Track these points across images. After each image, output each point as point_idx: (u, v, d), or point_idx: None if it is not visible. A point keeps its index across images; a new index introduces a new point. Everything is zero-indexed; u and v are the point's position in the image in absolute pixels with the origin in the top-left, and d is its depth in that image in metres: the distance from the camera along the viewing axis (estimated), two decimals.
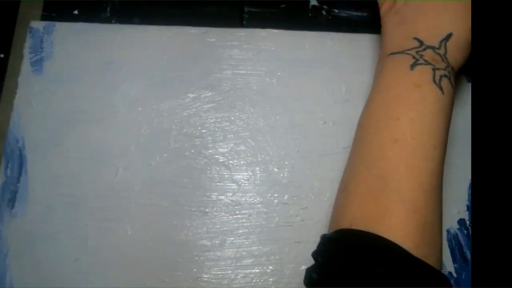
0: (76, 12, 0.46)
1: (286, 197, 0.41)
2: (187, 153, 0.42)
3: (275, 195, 0.41)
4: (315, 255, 0.31)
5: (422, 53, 0.34)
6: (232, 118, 0.43)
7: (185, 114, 0.43)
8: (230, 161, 0.42)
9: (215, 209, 0.40)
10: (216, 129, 0.42)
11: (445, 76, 0.33)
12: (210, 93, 0.44)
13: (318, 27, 0.46)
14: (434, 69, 0.33)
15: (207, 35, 0.45)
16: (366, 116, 0.34)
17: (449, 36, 0.34)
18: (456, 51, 0.34)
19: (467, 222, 0.42)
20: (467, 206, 0.42)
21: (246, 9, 0.47)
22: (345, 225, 0.30)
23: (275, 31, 0.46)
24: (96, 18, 0.46)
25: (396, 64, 0.34)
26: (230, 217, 0.40)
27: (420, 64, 0.33)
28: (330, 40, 0.46)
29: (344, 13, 0.46)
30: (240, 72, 0.44)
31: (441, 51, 0.34)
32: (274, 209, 0.41)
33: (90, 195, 0.40)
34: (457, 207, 0.42)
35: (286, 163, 0.42)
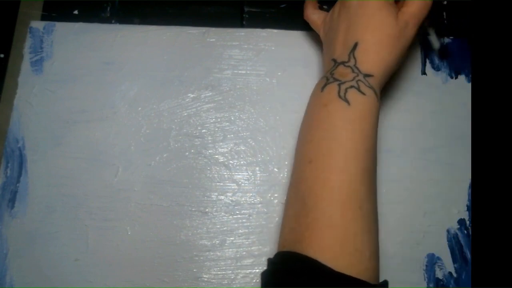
0: (76, 12, 0.46)
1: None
2: (187, 153, 0.42)
3: (275, 195, 0.41)
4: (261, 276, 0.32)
5: (334, 71, 0.35)
6: (232, 118, 0.43)
7: (185, 114, 0.43)
8: (230, 161, 0.42)
9: (215, 209, 0.40)
10: (216, 129, 0.42)
11: (352, 87, 0.33)
12: (210, 93, 0.44)
13: None
14: (340, 84, 0.33)
15: (207, 35, 0.45)
16: (296, 143, 0.35)
17: (355, 45, 0.35)
18: (366, 57, 0.34)
19: (467, 222, 0.42)
20: (467, 206, 0.42)
21: (246, 9, 0.47)
22: (280, 247, 0.32)
23: (275, 31, 0.46)
24: (96, 18, 0.46)
25: (314, 88, 0.36)
26: (230, 217, 0.40)
27: (329, 83, 0.34)
28: None
29: None
30: (240, 72, 0.44)
31: (351, 63, 0.34)
32: (274, 209, 0.41)
33: (90, 195, 0.40)
34: (457, 207, 0.42)
35: (286, 163, 0.42)
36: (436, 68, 0.46)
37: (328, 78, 0.35)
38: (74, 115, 0.42)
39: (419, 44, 0.47)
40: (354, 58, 0.35)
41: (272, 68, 0.45)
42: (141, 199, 0.40)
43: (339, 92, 0.33)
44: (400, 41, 0.35)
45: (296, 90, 0.44)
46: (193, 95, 0.43)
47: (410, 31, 0.36)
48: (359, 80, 0.34)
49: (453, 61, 0.47)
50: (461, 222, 0.42)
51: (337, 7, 0.39)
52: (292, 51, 0.45)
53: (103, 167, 0.41)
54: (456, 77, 0.46)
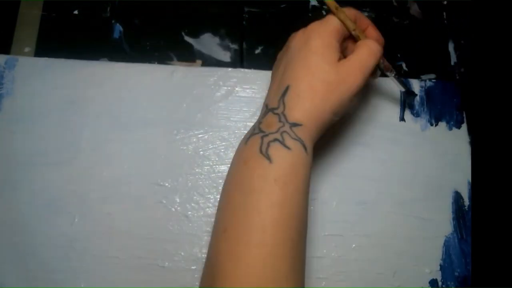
0: (76, 12, 0.45)
1: None
2: (147, 202, 0.40)
3: None
4: None
5: (262, 119, 0.32)
6: (195, 166, 0.41)
7: (148, 159, 0.41)
8: (189, 212, 0.40)
9: (172, 263, 0.38)
10: (180, 178, 0.41)
11: (276, 140, 0.30)
12: (178, 137, 0.42)
13: None
14: (263, 137, 0.30)
15: (174, 74, 0.43)
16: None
17: (286, 89, 0.32)
18: (295, 103, 0.31)
19: (440, 283, 0.40)
20: (440, 265, 0.40)
21: (246, 9, 0.47)
22: None
23: (243, 70, 0.44)
24: (96, 18, 0.45)
25: (241, 139, 0.32)
26: (189, 272, 0.38)
27: (254, 135, 0.31)
28: None
29: None
30: (210, 113, 0.43)
31: (280, 110, 0.31)
32: None
33: (43, 244, 0.38)
34: (429, 266, 0.40)
35: None
36: (416, 114, 0.44)
37: (254, 128, 0.32)
38: (33, 157, 0.40)
39: (398, 88, 0.45)
40: (284, 104, 0.31)
41: (243, 111, 0.43)
42: (97, 250, 0.38)
43: (261, 146, 0.30)
44: (338, 88, 0.32)
45: None
46: (158, 138, 0.42)
47: (353, 79, 0.32)
48: (284, 131, 0.30)
49: (434, 106, 0.45)
50: (432, 282, 0.40)
51: (282, 50, 0.36)
52: (263, 92, 0.43)
53: (59, 215, 0.39)
54: (437, 124, 0.44)
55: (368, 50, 0.33)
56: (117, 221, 0.39)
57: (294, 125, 0.31)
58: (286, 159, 0.29)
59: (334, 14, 0.34)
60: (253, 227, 0.27)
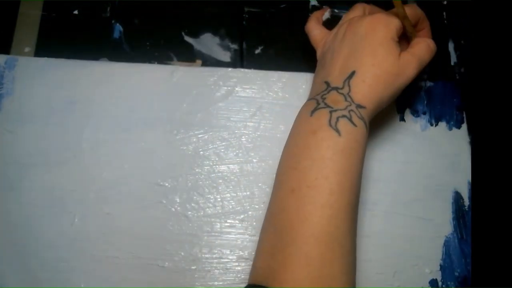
0: (76, 12, 0.45)
1: (246, 252, 0.39)
2: (147, 202, 0.40)
3: (236, 251, 0.39)
4: None
5: (326, 95, 0.34)
6: (195, 166, 0.41)
7: (149, 159, 0.41)
8: (189, 212, 0.40)
9: (173, 263, 0.38)
10: (180, 178, 0.41)
11: (344, 116, 0.32)
12: (178, 137, 0.42)
13: None
14: (331, 112, 0.32)
15: (174, 74, 0.43)
16: (277, 168, 0.34)
17: (352, 74, 0.34)
18: (361, 88, 0.34)
19: (440, 283, 0.40)
20: (440, 265, 0.40)
21: (246, 9, 0.47)
22: (251, 280, 0.31)
23: (243, 70, 0.44)
24: (96, 18, 0.45)
25: (302, 111, 0.34)
26: (189, 272, 0.38)
27: (320, 108, 0.33)
28: (305, 81, 0.44)
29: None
30: (210, 113, 0.43)
31: (345, 90, 0.34)
32: (239, 264, 0.39)
33: (43, 244, 0.38)
34: (429, 266, 0.40)
35: (250, 213, 0.40)
36: (416, 114, 0.44)
37: (318, 102, 0.34)
38: (32, 157, 0.40)
39: None
40: (349, 86, 0.34)
41: (243, 111, 0.43)
42: (97, 250, 0.38)
43: (330, 120, 0.32)
44: (397, 80, 0.35)
45: (264, 136, 0.42)
46: (159, 138, 0.42)
47: (410, 72, 0.35)
48: (351, 110, 0.33)
49: (434, 106, 0.45)
50: (432, 282, 0.40)
51: (342, 28, 0.37)
52: (263, 92, 0.43)
53: (59, 215, 0.39)
54: (437, 124, 0.44)
55: (427, 46, 0.36)
56: (117, 221, 0.39)
57: (359, 106, 0.33)
58: (353, 134, 0.32)
59: (401, 21, 0.36)
60: (321, 189, 0.30)
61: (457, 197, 0.42)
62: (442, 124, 0.44)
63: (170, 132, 0.42)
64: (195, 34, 0.46)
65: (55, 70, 0.43)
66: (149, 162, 0.41)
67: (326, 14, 0.43)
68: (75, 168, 0.40)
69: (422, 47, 0.36)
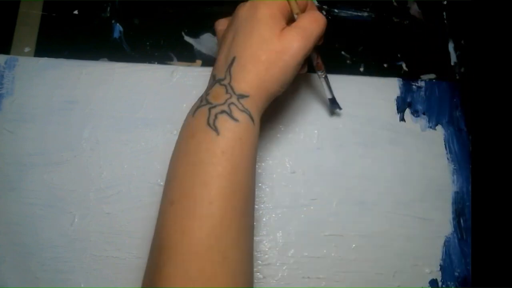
0: (76, 12, 0.45)
1: None
2: (147, 202, 0.40)
3: None
4: None
5: (210, 91, 0.31)
6: None
7: (149, 159, 0.41)
8: None
9: None
10: None
11: (223, 112, 0.29)
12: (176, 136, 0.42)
13: None
14: (210, 109, 0.30)
15: (174, 74, 0.43)
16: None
17: (232, 61, 0.31)
18: (242, 74, 0.31)
19: (440, 283, 0.40)
20: (440, 265, 0.40)
21: None
22: None
23: None
24: (96, 18, 0.45)
25: (188, 112, 0.32)
26: None
27: (201, 106, 0.30)
28: (304, 81, 0.44)
29: (344, 13, 0.46)
30: None
31: (226, 81, 0.31)
32: None
33: (43, 244, 0.38)
34: (429, 266, 0.40)
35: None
36: (416, 114, 0.44)
37: (202, 99, 0.31)
38: (32, 157, 0.40)
39: (398, 88, 0.45)
40: (230, 75, 0.31)
41: None
42: (97, 250, 0.38)
43: (208, 119, 0.29)
44: (281, 57, 0.31)
45: (264, 136, 0.42)
46: (158, 138, 0.41)
47: (295, 45, 0.31)
48: (231, 103, 0.30)
49: (434, 106, 0.45)
50: (432, 282, 0.40)
51: (232, 17, 0.34)
52: None
53: (59, 215, 0.39)
54: (437, 124, 0.44)
55: (311, 17, 0.32)
56: (117, 221, 0.39)
57: (241, 96, 0.30)
58: (234, 131, 0.29)
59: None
60: (200, 199, 0.27)
61: (457, 197, 0.42)
62: (442, 124, 0.44)
63: (170, 132, 0.42)
64: (195, 34, 0.46)
65: (55, 70, 0.43)
66: (149, 162, 0.41)
67: None
68: (75, 168, 0.40)
69: (306, 18, 0.32)
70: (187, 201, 0.28)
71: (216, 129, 0.29)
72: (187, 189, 0.28)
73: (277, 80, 0.31)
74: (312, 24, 0.32)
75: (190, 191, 0.28)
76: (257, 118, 0.31)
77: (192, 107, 0.32)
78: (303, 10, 0.34)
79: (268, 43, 0.31)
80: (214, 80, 0.32)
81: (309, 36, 0.32)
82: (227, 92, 0.30)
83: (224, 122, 0.29)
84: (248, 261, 0.29)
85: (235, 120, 0.29)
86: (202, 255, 0.26)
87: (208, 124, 0.29)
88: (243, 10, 0.33)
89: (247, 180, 0.29)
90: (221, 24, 0.37)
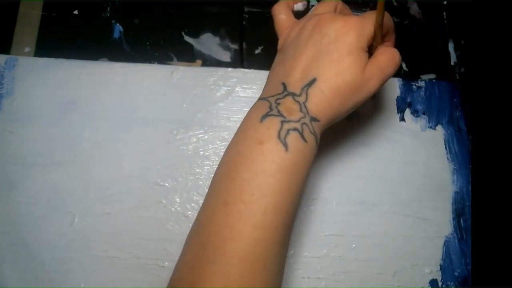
0: (76, 12, 0.45)
1: None
2: (147, 202, 0.40)
3: None
4: None
5: (281, 100, 0.31)
6: (195, 166, 0.41)
7: (149, 159, 0.41)
8: (189, 212, 0.40)
9: (173, 263, 0.38)
10: (180, 178, 0.41)
11: (295, 130, 0.29)
12: (178, 137, 0.42)
13: None
14: (283, 122, 0.29)
15: (175, 74, 0.43)
16: (214, 173, 0.31)
17: (312, 82, 0.31)
18: (319, 99, 0.31)
19: (440, 283, 0.40)
20: (440, 265, 0.40)
21: (246, 9, 0.47)
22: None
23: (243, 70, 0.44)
24: (96, 18, 0.45)
25: (252, 112, 0.31)
26: None
27: (271, 115, 0.30)
28: None
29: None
30: (210, 113, 0.43)
31: (301, 99, 0.31)
32: None
33: (43, 244, 0.38)
34: (429, 266, 0.40)
35: None
36: (416, 114, 0.44)
37: (271, 107, 0.30)
38: (32, 157, 0.40)
39: (398, 88, 0.45)
40: (306, 94, 0.31)
41: (243, 111, 0.43)
42: (97, 250, 0.38)
43: (279, 131, 0.29)
44: (358, 94, 0.32)
45: None
46: (159, 139, 0.42)
47: (372, 86, 0.32)
48: (304, 123, 0.30)
49: (434, 106, 0.45)
50: (432, 282, 0.40)
51: (310, 24, 0.33)
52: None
53: (59, 215, 0.39)
54: (437, 124, 0.44)
55: (392, 58, 0.33)
56: (117, 221, 0.39)
57: (314, 119, 0.31)
58: (302, 151, 0.29)
59: (374, 29, 0.32)
60: (256, 209, 0.27)
61: (457, 197, 0.42)
62: (442, 124, 0.44)
63: (170, 132, 0.42)
64: (195, 34, 0.46)
65: (55, 70, 0.43)
66: (149, 162, 0.41)
67: (300, 4, 0.39)
68: (75, 168, 0.40)
69: (388, 59, 0.33)
70: (243, 207, 0.28)
71: (285, 145, 0.29)
72: (245, 194, 0.28)
73: (346, 112, 0.32)
74: (390, 66, 0.33)
75: (249, 198, 0.28)
76: (319, 141, 0.31)
77: (256, 109, 0.31)
78: (384, 34, 0.34)
79: (352, 78, 0.31)
80: (285, 91, 0.31)
81: (385, 77, 0.33)
82: (301, 110, 0.30)
83: (294, 140, 0.29)
84: (281, 274, 0.30)
85: (305, 141, 0.30)
86: (245, 261, 0.27)
87: (279, 137, 0.29)
88: (331, 30, 0.32)
89: (297, 198, 0.30)
90: (284, 14, 0.37)
